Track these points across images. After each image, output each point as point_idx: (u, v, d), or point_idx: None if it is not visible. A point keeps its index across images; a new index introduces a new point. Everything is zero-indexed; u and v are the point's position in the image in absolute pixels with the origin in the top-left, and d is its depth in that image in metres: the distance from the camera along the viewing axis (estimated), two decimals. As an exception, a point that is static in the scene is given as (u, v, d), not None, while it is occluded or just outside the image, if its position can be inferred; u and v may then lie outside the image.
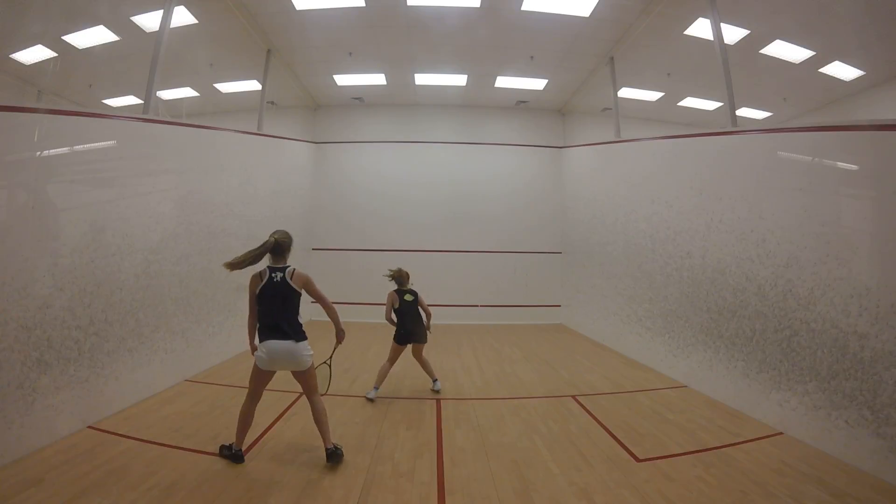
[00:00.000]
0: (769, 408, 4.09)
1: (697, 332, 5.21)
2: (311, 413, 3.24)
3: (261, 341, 3.12)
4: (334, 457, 3.10)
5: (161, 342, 4.75)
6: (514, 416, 4.25)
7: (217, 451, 3.26)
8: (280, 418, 4.04)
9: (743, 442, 3.68)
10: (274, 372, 3.19)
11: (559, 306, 10.03)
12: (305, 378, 3.20)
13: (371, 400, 4.52)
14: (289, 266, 3.20)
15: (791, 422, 3.85)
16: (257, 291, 3.12)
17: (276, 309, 3.11)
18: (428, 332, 4.80)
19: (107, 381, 3.95)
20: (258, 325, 3.16)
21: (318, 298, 3.25)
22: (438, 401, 4.64)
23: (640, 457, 3.39)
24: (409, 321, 4.67)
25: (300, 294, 3.18)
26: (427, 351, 4.99)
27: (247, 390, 3.21)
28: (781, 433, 3.85)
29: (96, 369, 3.85)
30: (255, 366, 3.14)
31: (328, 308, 3.31)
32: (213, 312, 5.83)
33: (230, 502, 2.67)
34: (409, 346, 4.75)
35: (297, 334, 3.11)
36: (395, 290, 4.78)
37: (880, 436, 3.13)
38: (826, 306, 3.60)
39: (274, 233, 3.20)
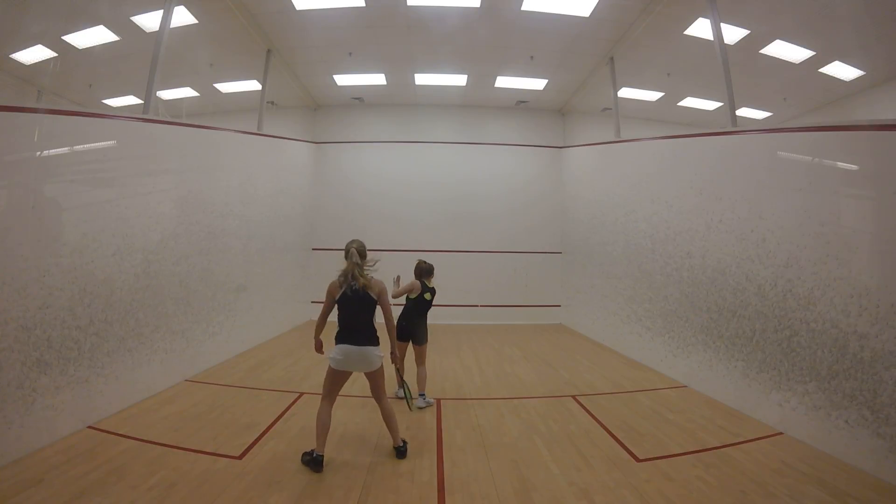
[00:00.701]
0: (769, 408, 4.09)
1: (697, 332, 5.21)
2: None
3: (336, 344, 3.27)
4: (402, 453, 3.32)
5: (161, 342, 4.74)
6: (513, 416, 4.25)
7: (302, 457, 3.23)
8: (280, 418, 4.04)
9: (743, 442, 3.68)
10: (349, 374, 3.35)
11: (559, 306, 10.03)
12: (375, 379, 3.34)
13: (402, 398, 4.31)
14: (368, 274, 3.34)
15: (791, 422, 3.85)
16: (337, 297, 3.29)
17: (353, 315, 3.27)
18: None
19: (107, 381, 3.95)
20: (338, 329, 3.31)
21: (385, 310, 3.38)
22: (438, 401, 4.64)
23: (640, 457, 3.39)
24: (415, 316, 4.53)
25: (376, 301, 3.33)
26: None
27: (321, 394, 3.30)
28: (781, 433, 3.85)
29: (96, 369, 3.85)
30: (329, 367, 3.27)
31: (389, 323, 3.44)
32: (213, 312, 5.83)
33: (230, 502, 2.68)
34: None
35: (371, 340, 3.29)
36: (420, 281, 4.61)
37: (880, 436, 3.13)
38: (826, 306, 3.60)
39: (351, 242, 3.39)
